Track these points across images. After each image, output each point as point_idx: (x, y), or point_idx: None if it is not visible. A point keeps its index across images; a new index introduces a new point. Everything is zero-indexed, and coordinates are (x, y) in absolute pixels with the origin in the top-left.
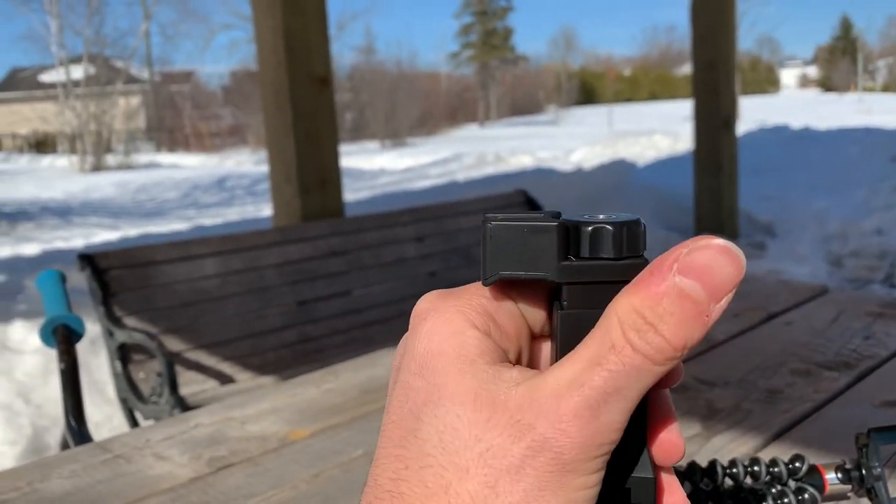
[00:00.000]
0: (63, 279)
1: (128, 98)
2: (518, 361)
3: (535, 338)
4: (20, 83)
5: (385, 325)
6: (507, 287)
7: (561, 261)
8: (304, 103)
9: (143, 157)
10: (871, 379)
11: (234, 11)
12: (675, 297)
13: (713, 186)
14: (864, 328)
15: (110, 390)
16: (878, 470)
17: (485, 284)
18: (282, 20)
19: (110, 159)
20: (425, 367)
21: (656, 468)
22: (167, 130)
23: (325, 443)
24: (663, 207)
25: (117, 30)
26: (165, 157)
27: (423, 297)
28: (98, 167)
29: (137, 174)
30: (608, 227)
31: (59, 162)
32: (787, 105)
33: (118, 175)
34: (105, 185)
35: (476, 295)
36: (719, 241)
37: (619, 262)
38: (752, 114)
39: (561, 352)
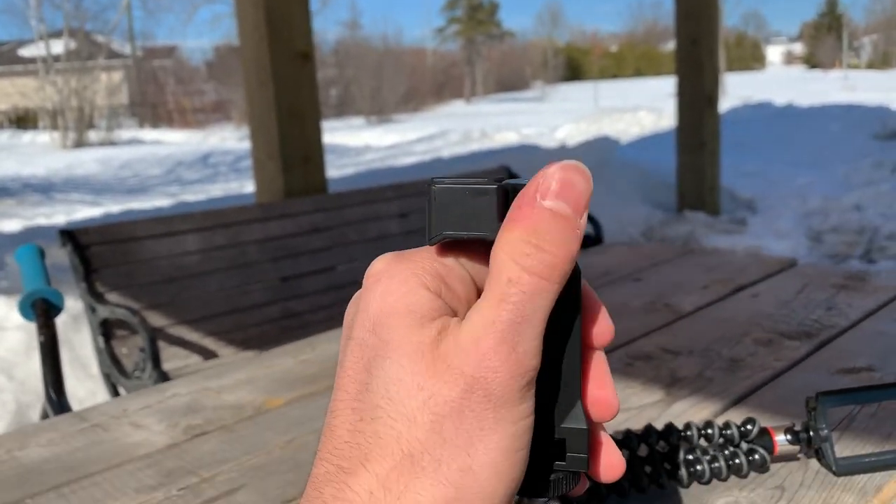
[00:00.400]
0: (42, 254)
1: (109, 73)
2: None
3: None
4: None
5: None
6: (456, 250)
7: (500, 221)
8: (286, 79)
9: (125, 133)
10: (830, 348)
11: None
12: (548, 218)
13: (695, 163)
14: (827, 299)
15: (93, 366)
16: (825, 432)
17: (430, 244)
18: None
19: (92, 135)
20: (378, 324)
21: (592, 424)
22: (150, 106)
23: (299, 410)
24: (646, 184)
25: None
26: (148, 133)
27: (377, 259)
28: (80, 143)
29: (120, 150)
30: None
31: (41, 138)
32: (772, 81)
33: (101, 151)
34: (88, 161)
35: (428, 258)
36: (567, 162)
37: None
38: (738, 90)
39: None
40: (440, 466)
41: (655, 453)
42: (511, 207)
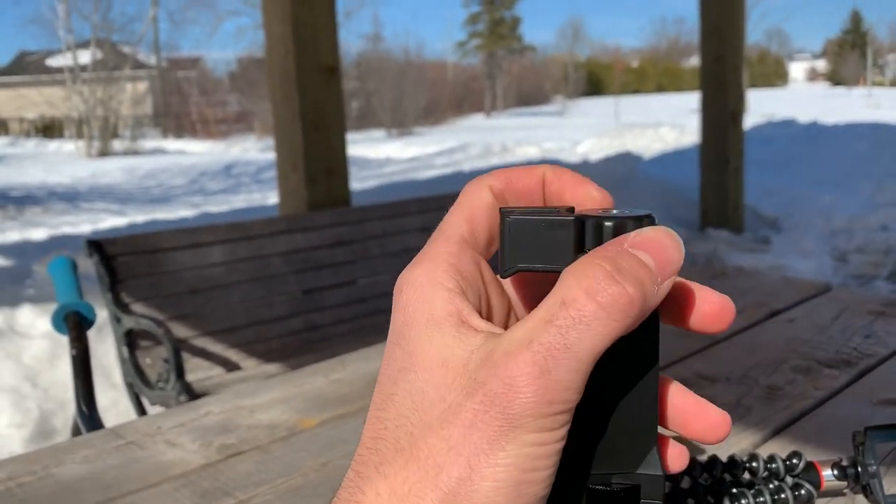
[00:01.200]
0: (75, 266)
1: (135, 83)
2: (482, 304)
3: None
4: (28, 67)
5: (390, 315)
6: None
7: (577, 254)
8: (312, 92)
9: (149, 143)
10: (870, 377)
11: None
12: (629, 258)
13: (719, 180)
14: (865, 326)
15: (116, 375)
16: (874, 467)
17: (503, 277)
18: (290, 9)
19: (117, 144)
20: (402, 336)
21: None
22: (174, 116)
23: (332, 432)
24: (669, 200)
25: (125, 15)
26: (172, 144)
27: (403, 271)
28: (105, 152)
29: (144, 160)
30: (626, 220)
31: (66, 147)
32: (795, 98)
33: (125, 160)
34: (112, 170)
35: (442, 253)
36: (664, 228)
37: None
38: (760, 107)
39: None
40: (440, 472)
41: (699, 486)
42: (597, 247)
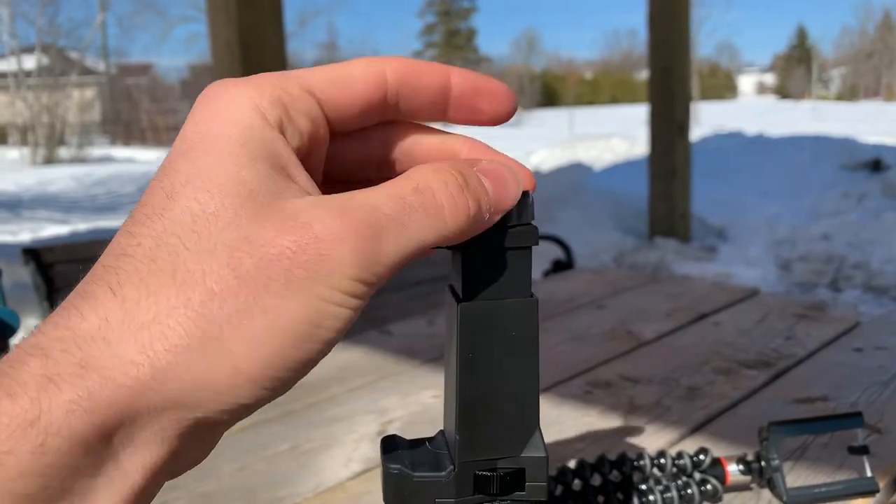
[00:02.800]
0: None
1: (82, 90)
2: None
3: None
4: None
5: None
6: (322, 88)
7: None
8: None
9: (97, 151)
10: (787, 377)
11: (193, 4)
12: (477, 180)
13: (667, 190)
14: (786, 329)
15: None
16: (777, 462)
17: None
18: (236, 14)
19: (63, 152)
20: (196, 148)
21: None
22: (123, 124)
23: (252, 437)
24: (619, 211)
25: (72, 20)
26: (120, 151)
27: (215, 81)
28: (50, 160)
29: (94, 168)
30: None
31: (10, 154)
32: (744, 111)
33: (73, 168)
34: (60, 178)
35: (273, 84)
36: (512, 167)
37: (513, 228)
38: (710, 119)
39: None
40: (212, 300)
41: (609, 483)
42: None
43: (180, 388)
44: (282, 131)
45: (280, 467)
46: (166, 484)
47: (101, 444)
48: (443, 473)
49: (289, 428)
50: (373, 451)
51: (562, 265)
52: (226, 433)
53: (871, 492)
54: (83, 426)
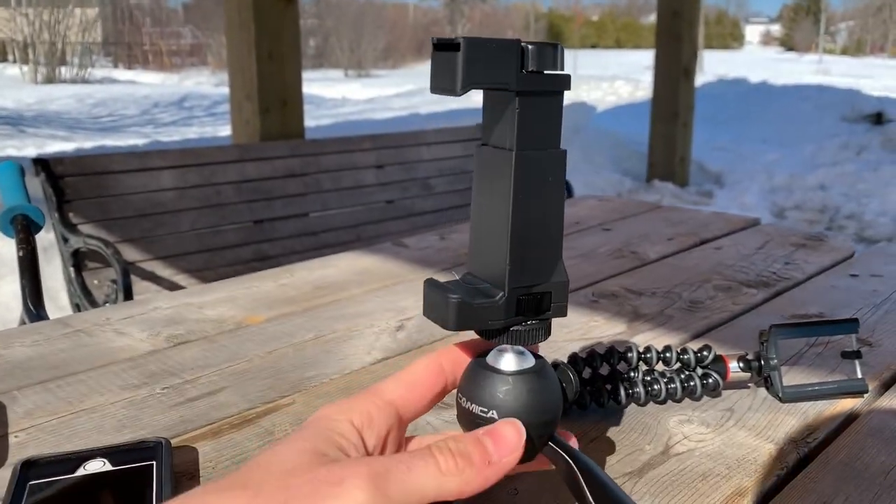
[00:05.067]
0: (22, 172)
1: (84, 9)
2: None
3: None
4: None
5: (341, 249)
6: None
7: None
8: (268, 21)
9: (98, 72)
10: (785, 296)
11: None
12: (482, 450)
13: (668, 134)
14: (786, 255)
15: (62, 298)
16: (775, 361)
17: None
18: None
19: (64, 71)
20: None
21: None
22: (125, 46)
23: (278, 327)
24: (619, 152)
25: None
26: (122, 73)
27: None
28: (51, 79)
29: (94, 88)
30: (549, 46)
31: (10, 71)
32: (748, 61)
33: (74, 88)
34: (61, 97)
35: (367, 400)
36: (515, 428)
37: (557, 74)
38: (715, 68)
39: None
40: (258, 495)
41: (616, 373)
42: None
43: None
44: (359, 432)
45: (307, 352)
46: (199, 363)
47: None
48: (496, 298)
49: (312, 320)
50: (393, 343)
51: None
52: (254, 324)
53: (860, 392)
54: None
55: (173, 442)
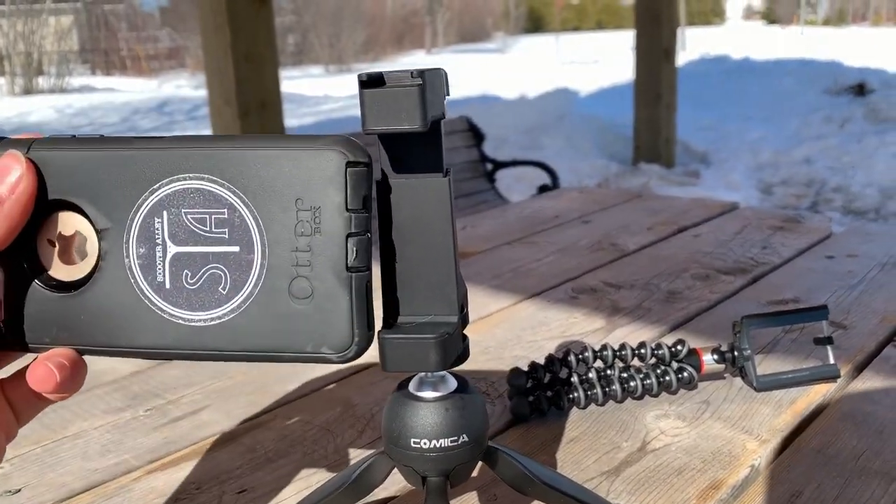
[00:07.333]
0: None
1: (58, 18)
2: None
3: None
4: None
5: None
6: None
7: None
8: (243, 23)
9: (76, 80)
10: (762, 282)
11: None
12: None
13: (651, 116)
14: (763, 239)
15: None
16: (748, 352)
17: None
18: None
19: (42, 82)
20: None
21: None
22: (102, 52)
23: None
24: (603, 136)
25: None
26: (101, 81)
27: None
28: (29, 90)
29: (74, 97)
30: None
31: None
32: (731, 36)
33: (53, 98)
34: (40, 108)
35: None
36: (17, 162)
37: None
38: (698, 45)
39: None
40: None
41: (595, 371)
42: None
43: None
44: None
45: (288, 366)
46: (181, 382)
47: None
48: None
49: None
50: (373, 349)
51: (547, 189)
52: None
53: (833, 377)
54: None
55: (157, 464)
